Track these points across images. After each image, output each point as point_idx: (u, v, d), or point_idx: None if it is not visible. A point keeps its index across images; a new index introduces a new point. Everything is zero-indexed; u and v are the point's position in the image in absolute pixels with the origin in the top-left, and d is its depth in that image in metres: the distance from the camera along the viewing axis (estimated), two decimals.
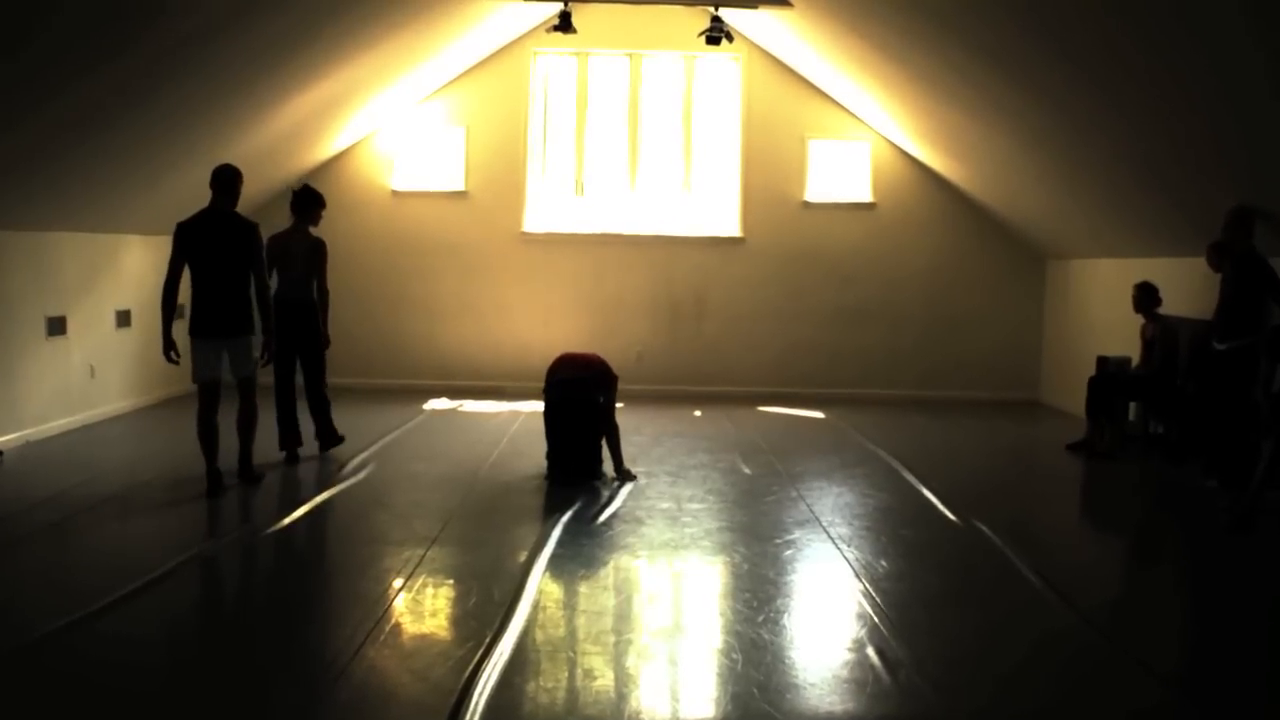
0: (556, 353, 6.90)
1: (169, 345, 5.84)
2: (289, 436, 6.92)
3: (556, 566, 4.83)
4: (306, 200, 6.96)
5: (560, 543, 5.18)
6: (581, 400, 6.51)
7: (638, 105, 10.66)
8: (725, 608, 4.42)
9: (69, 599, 4.18)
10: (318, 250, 6.88)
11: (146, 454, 7.20)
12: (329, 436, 7.14)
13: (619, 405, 6.68)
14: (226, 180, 5.91)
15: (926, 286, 10.64)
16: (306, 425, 7.06)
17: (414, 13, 7.78)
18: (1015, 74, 7.00)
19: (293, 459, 6.89)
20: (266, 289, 6.11)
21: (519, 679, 3.55)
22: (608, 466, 6.66)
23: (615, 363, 6.86)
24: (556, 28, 9.02)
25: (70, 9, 4.97)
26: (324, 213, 7.09)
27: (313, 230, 6.96)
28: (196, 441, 5.99)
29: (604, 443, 6.63)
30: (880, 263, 10.63)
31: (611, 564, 5.00)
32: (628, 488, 6.36)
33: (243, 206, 6.17)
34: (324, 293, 6.94)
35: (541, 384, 6.72)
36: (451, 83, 10.45)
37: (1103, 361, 8.38)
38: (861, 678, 3.62)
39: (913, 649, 3.86)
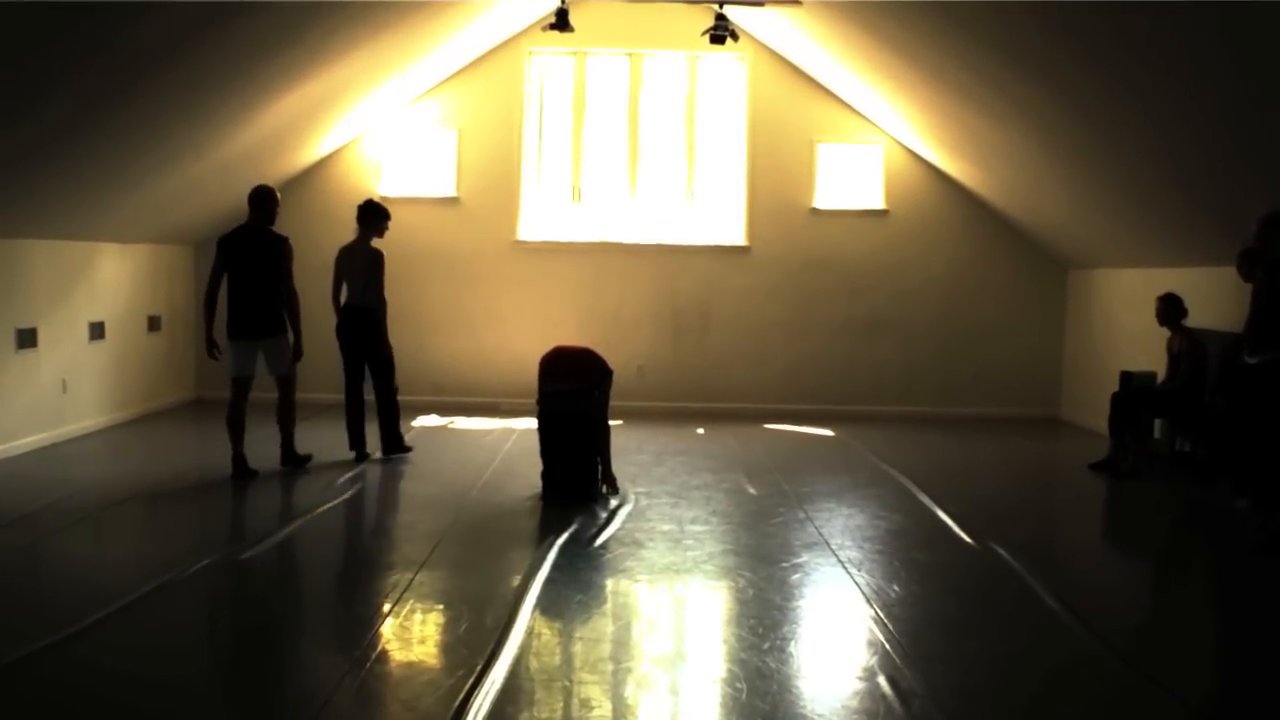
0: None
1: (211, 344, 6.89)
2: (356, 439, 7.64)
3: (552, 591, 4.83)
4: (369, 213, 7.72)
5: (556, 566, 5.19)
6: (575, 412, 6.55)
7: (638, 107, 10.71)
8: (729, 635, 4.43)
9: (42, 623, 4.18)
10: (373, 260, 7.58)
11: (122, 471, 7.22)
12: (393, 443, 7.75)
13: (618, 423, 6.70)
14: (258, 199, 6.93)
15: (942, 298, 10.67)
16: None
17: (403, 11, 7.82)
18: (1035, 73, 7.04)
19: (361, 457, 7.61)
20: (294, 295, 6.93)
21: (512, 709, 3.56)
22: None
23: (613, 376, 6.89)
24: (553, 26, 9.06)
25: (43, 10, 5.00)
26: (389, 224, 7.80)
27: (375, 242, 7.67)
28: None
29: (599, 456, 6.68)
30: (893, 273, 10.66)
31: (609, 589, 5.02)
32: (626, 508, 6.37)
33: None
34: (381, 301, 7.62)
35: (535, 396, 6.77)
36: (442, 84, 10.50)
37: (1127, 376, 8.39)
38: (873, 708, 3.62)
39: (927, 678, 3.86)
